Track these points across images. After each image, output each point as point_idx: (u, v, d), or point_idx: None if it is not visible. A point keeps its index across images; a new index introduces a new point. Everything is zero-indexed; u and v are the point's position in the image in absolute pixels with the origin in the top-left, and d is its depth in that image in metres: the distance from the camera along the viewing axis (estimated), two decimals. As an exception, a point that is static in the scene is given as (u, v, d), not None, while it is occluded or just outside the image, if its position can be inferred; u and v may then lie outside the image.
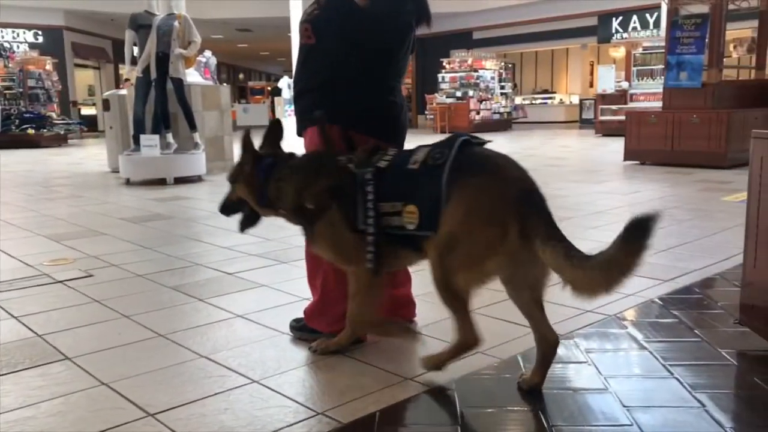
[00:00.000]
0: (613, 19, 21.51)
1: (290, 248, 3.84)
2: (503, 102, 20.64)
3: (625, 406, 1.81)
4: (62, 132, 16.97)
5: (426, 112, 20.63)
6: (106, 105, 9.18)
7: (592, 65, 24.58)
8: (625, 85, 15.68)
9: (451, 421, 1.77)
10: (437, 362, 2.02)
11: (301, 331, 2.42)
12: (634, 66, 15.53)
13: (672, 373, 2.02)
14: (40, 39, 21.61)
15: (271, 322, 2.59)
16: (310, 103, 2.23)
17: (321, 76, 2.21)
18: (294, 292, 2.96)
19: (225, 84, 10.69)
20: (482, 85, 19.78)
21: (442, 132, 18.75)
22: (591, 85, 23.66)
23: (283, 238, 4.05)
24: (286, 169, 2.16)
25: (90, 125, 21.19)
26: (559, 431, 1.69)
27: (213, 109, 8.68)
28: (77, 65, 23.37)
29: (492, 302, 2.78)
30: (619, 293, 2.87)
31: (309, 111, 2.23)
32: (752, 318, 2.23)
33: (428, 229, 1.87)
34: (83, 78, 24.41)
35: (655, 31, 17.54)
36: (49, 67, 18.21)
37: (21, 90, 16.92)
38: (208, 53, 10.28)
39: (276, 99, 18.13)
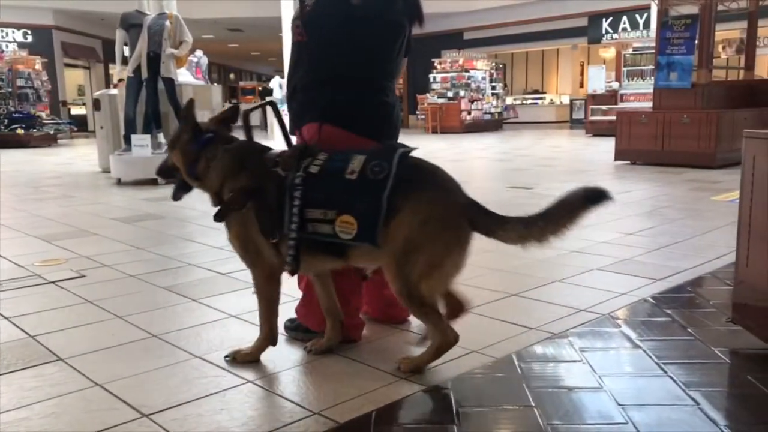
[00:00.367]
0: (603, 19, 21.61)
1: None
2: (494, 102, 20.71)
3: (619, 405, 1.82)
4: (52, 132, 16.86)
5: (417, 113, 20.66)
6: (96, 105, 9.13)
7: (582, 66, 24.68)
8: (615, 85, 15.76)
9: (447, 420, 1.77)
10: (418, 365, 2.06)
11: (296, 330, 2.42)
12: (624, 66, 15.62)
13: (666, 372, 2.03)
14: (30, 38, 21.47)
15: (266, 322, 2.58)
16: (303, 102, 2.23)
17: (313, 74, 2.21)
18: (287, 292, 2.91)
19: (216, 84, 10.66)
20: (473, 86, 19.84)
21: (434, 132, 18.78)
22: (581, 86, 23.76)
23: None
24: (219, 150, 2.17)
25: (80, 125, 21.07)
26: (555, 430, 1.70)
27: (204, 109, 8.62)
28: (67, 65, 23.24)
29: (486, 302, 2.79)
30: (611, 292, 2.90)
31: (302, 109, 2.23)
32: (745, 316, 2.24)
33: (366, 240, 1.93)
34: (73, 78, 24.27)
35: (644, 31, 17.64)
36: (38, 66, 18.09)
37: (10, 90, 16.79)
38: (199, 53, 10.25)
39: (267, 98, 18.05)
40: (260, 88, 31.11)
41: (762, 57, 15.50)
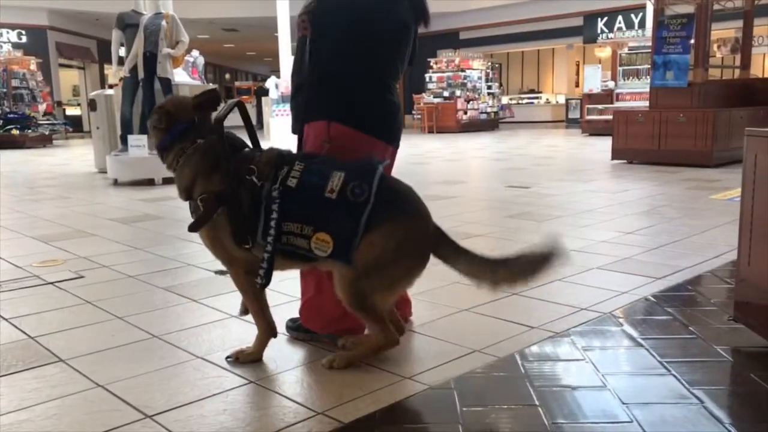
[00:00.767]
0: (599, 19, 21.66)
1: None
2: (490, 102, 20.72)
3: (624, 403, 1.82)
4: (47, 132, 16.80)
5: (413, 112, 20.67)
6: (92, 105, 9.10)
7: (577, 65, 24.73)
8: (611, 84, 15.79)
9: (451, 420, 1.77)
10: (351, 360, 2.10)
11: (298, 330, 2.41)
12: (620, 66, 15.65)
13: (669, 370, 2.03)
14: (24, 39, 21.40)
15: (267, 322, 2.57)
16: (309, 98, 2.22)
17: (319, 71, 2.19)
18: (288, 292, 2.94)
19: (212, 84, 10.63)
20: (469, 85, 19.84)
21: (430, 132, 18.78)
22: (577, 85, 23.80)
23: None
24: (192, 146, 2.14)
25: (75, 126, 21.00)
26: (559, 428, 1.70)
27: (201, 109, 8.62)
28: (62, 65, 23.17)
29: (488, 301, 2.79)
30: (612, 291, 2.90)
31: (308, 106, 2.22)
32: (746, 315, 2.25)
33: (341, 259, 1.97)
34: (68, 78, 24.19)
35: (640, 31, 17.65)
36: (33, 67, 18.02)
37: (5, 90, 16.73)
38: (195, 53, 10.23)
39: (263, 99, 18.04)
40: (254, 88, 31.06)
41: (757, 56, 15.55)
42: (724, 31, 13.54)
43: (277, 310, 2.70)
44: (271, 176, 2.03)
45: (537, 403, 1.84)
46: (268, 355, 2.23)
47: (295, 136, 2.33)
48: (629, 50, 15.61)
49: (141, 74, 7.67)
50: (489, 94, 20.78)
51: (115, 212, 5.59)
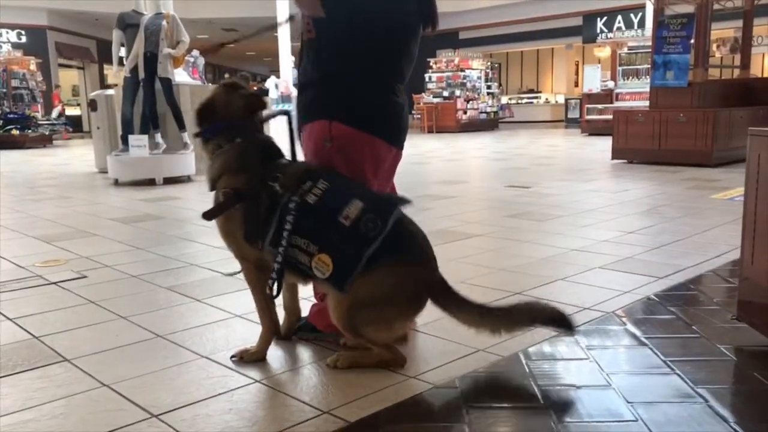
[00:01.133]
0: (598, 19, 21.70)
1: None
2: (490, 102, 20.75)
3: (628, 402, 1.82)
4: (47, 132, 16.80)
5: (413, 112, 20.69)
6: (93, 105, 9.10)
7: (577, 65, 24.76)
8: (610, 84, 15.81)
9: (456, 419, 1.77)
10: (353, 362, 2.10)
11: (301, 330, 2.42)
12: (620, 66, 15.68)
13: (673, 369, 2.04)
14: (24, 39, 21.40)
15: (270, 321, 2.58)
16: (312, 98, 2.22)
17: (321, 71, 2.19)
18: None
19: (212, 84, 10.62)
20: (469, 85, 19.87)
21: (430, 132, 18.79)
22: (576, 85, 23.83)
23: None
24: (228, 143, 2.16)
25: (75, 126, 21.00)
26: (564, 427, 1.70)
27: (202, 109, 8.62)
28: (61, 65, 23.17)
29: (490, 300, 2.79)
30: (615, 290, 2.90)
31: (311, 105, 2.22)
32: (750, 314, 2.25)
33: (336, 286, 1.98)
34: (68, 78, 24.19)
35: (639, 31, 17.70)
36: (33, 67, 18.03)
37: (5, 90, 16.73)
38: (196, 53, 10.23)
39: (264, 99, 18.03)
40: (254, 88, 31.04)
41: (756, 56, 15.57)
42: (723, 31, 13.55)
43: (279, 310, 2.71)
44: (293, 188, 2.04)
45: (541, 402, 1.85)
46: (273, 354, 2.23)
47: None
48: (629, 50, 15.64)
49: (142, 74, 7.67)
50: (488, 93, 20.81)
51: (117, 212, 5.60)
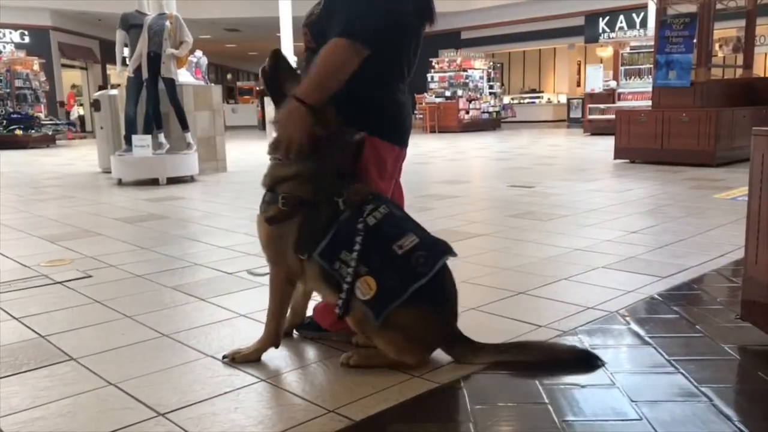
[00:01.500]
0: (600, 19, 21.70)
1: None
2: (492, 101, 20.74)
3: (633, 401, 1.83)
4: (50, 133, 16.83)
5: (415, 112, 20.69)
6: (96, 105, 9.13)
7: (579, 65, 24.76)
8: (613, 84, 15.80)
9: (462, 418, 1.79)
10: (368, 361, 2.11)
11: (306, 329, 2.43)
12: (622, 65, 15.67)
13: (677, 368, 2.05)
14: (27, 39, 21.44)
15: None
16: None
17: None
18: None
19: (214, 84, 10.66)
20: (471, 85, 19.87)
21: (432, 131, 18.80)
22: (578, 85, 23.84)
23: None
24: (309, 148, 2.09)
25: (78, 126, 21.04)
26: (569, 426, 1.71)
27: (205, 109, 8.66)
28: (64, 65, 23.21)
29: (494, 300, 2.81)
30: (618, 290, 2.91)
31: None
32: (753, 313, 2.26)
33: (372, 312, 1.98)
34: (70, 78, 24.23)
35: (642, 30, 17.68)
36: (36, 67, 18.07)
37: (8, 90, 16.77)
38: (199, 53, 10.24)
39: (266, 99, 18.06)
40: (258, 88, 31.05)
41: (759, 55, 15.55)
42: (726, 31, 13.54)
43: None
44: (356, 207, 2.04)
45: (546, 400, 1.86)
46: (278, 353, 2.24)
47: None
48: (631, 50, 15.63)
49: (145, 74, 7.69)
50: (491, 93, 20.81)
51: (121, 212, 5.61)
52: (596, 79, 16.55)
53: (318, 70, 2.03)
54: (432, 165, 9.45)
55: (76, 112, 19.23)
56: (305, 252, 2.06)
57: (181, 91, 8.11)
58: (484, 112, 20.25)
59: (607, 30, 21.29)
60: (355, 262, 1.99)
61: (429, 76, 20.35)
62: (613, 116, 10.51)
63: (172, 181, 7.68)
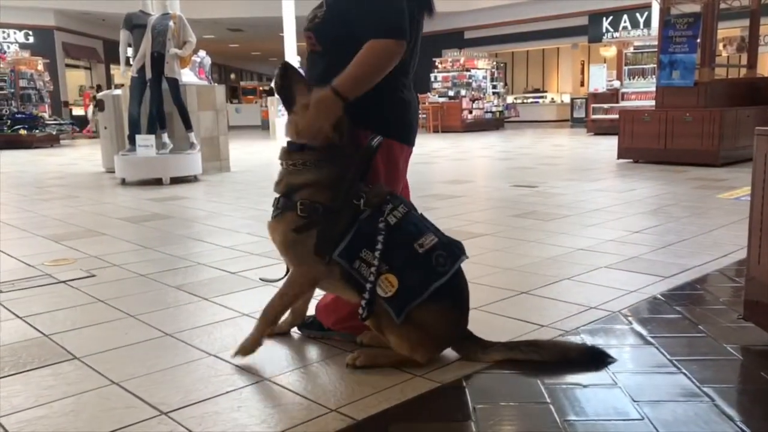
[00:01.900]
0: (604, 18, 21.66)
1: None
2: (495, 101, 20.72)
3: (635, 401, 1.83)
4: (54, 132, 16.88)
5: (419, 111, 20.67)
6: (100, 105, 9.15)
7: (582, 64, 24.72)
8: (616, 84, 15.78)
9: (464, 417, 1.79)
10: (375, 361, 2.12)
11: (309, 328, 2.43)
12: (626, 65, 15.64)
13: (679, 368, 2.05)
14: (31, 39, 21.51)
15: (278, 320, 2.59)
16: None
17: (328, 78, 2.15)
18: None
19: (217, 84, 10.69)
20: (474, 85, 19.86)
21: (435, 131, 18.79)
22: (582, 84, 23.79)
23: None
24: (326, 162, 2.08)
25: (82, 126, 21.09)
26: (571, 425, 1.71)
27: (208, 109, 8.68)
28: (68, 65, 23.27)
29: (497, 299, 2.81)
30: (621, 290, 2.91)
31: None
32: (756, 313, 2.26)
33: (393, 310, 1.99)
34: (74, 78, 24.29)
35: (645, 30, 17.66)
36: (40, 67, 18.12)
37: (12, 90, 16.81)
38: (202, 53, 10.27)
39: (269, 99, 18.10)
40: (261, 89, 31.09)
41: (763, 55, 15.50)
42: (730, 30, 13.49)
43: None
44: (376, 206, 2.05)
45: (548, 400, 1.86)
46: (280, 352, 2.25)
47: None
48: (635, 49, 15.60)
49: (149, 74, 7.70)
50: (494, 93, 20.79)
51: (124, 212, 5.63)
52: (600, 79, 16.52)
53: (359, 69, 2.01)
54: (435, 165, 9.45)
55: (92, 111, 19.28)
56: (325, 254, 2.05)
57: (185, 90, 8.12)
58: (487, 112, 20.23)
59: (611, 30, 21.26)
60: (378, 261, 1.99)
61: (432, 75, 20.35)
62: (616, 116, 10.50)
63: (176, 180, 7.69)
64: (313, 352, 2.29)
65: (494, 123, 20.53)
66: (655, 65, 9.74)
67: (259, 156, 11.89)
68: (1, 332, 2.56)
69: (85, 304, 2.91)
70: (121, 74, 8.20)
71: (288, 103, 2.16)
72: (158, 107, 7.80)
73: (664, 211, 4.97)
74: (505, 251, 3.81)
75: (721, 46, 13.21)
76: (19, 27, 21.28)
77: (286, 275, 2.24)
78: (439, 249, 2.04)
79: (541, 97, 25.72)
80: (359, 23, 2.04)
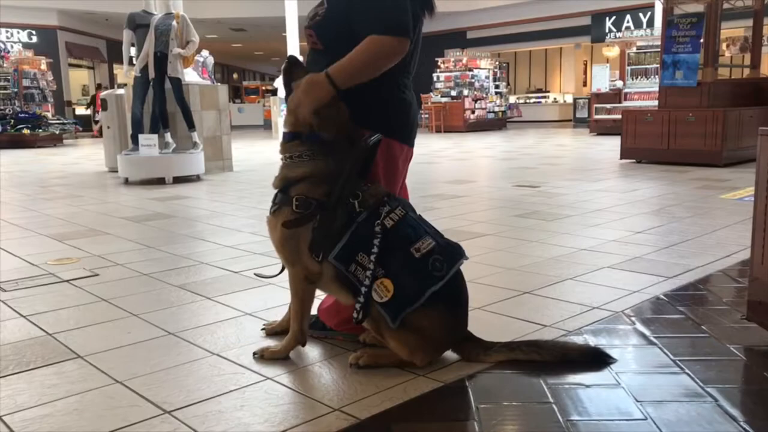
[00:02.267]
0: (607, 18, 21.62)
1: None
2: (498, 101, 20.71)
3: (638, 401, 1.83)
4: (57, 132, 16.90)
5: (421, 112, 20.68)
6: (103, 105, 9.17)
7: (585, 65, 24.68)
8: (619, 84, 15.76)
9: (467, 417, 1.79)
10: (377, 360, 2.12)
11: (312, 327, 2.43)
12: (628, 65, 15.62)
13: (682, 368, 2.04)
14: (34, 39, 21.53)
15: (280, 319, 2.59)
16: None
17: None
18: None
19: (220, 84, 10.70)
20: (477, 85, 19.84)
21: (437, 131, 18.78)
22: (585, 84, 23.75)
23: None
24: (322, 154, 2.08)
25: (84, 125, 21.12)
26: (573, 425, 1.71)
27: (211, 109, 8.69)
28: (71, 65, 23.30)
29: (500, 299, 2.81)
30: (624, 290, 2.91)
31: None
32: (760, 314, 2.25)
33: (389, 314, 1.99)
34: (77, 78, 24.32)
35: (648, 30, 17.61)
36: (43, 66, 18.14)
37: (16, 90, 16.84)
38: (205, 53, 10.28)
39: (272, 99, 18.12)
40: (263, 89, 31.11)
41: (767, 55, 15.48)
42: (733, 30, 13.48)
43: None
44: (372, 209, 2.04)
45: (551, 400, 1.86)
46: (283, 352, 2.25)
47: None
48: (637, 49, 15.58)
49: (152, 74, 7.72)
50: (496, 93, 20.77)
51: (127, 211, 5.64)
52: (602, 79, 16.50)
53: (355, 61, 2.01)
54: (437, 165, 9.45)
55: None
56: (320, 253, 2.06)
57: (188, 90, 8.13)
58: (489, 112, 20.22)
59: (614, 30, 21.22)
60: (373, 264, 1.99)
61: (435, 75, 20.33)
62: (619, 116, 10.50)
63: (179, 180, 7.70)
64: (315, 351, 2.30)
65: (497, 123, 20.51)
66: (658, 65, 9.74)
67: (262, 155, 11.90)
68: (6, 331, 2.57)
69: (89, 303, 2.91)
70: (124, 74, 8.22)
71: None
72: (161, 107, 7.82)
73: (667, 212, 4.96)
74: (507, 251, 3.80)
75: (724, 46, 13.20)
76: (23, 26, 21.31)
77: (281, 272, 2.25)
78: (436, 253, 2.03)
79: (544, 97, 25.69)
80: (360, 20, 2.04)
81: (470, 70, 19.94)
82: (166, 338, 2.45)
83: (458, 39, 23.64)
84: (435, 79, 20.33)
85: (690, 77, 8.26)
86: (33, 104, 17.07)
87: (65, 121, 18.05)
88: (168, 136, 7.93)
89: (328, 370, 2.14)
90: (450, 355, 2.17)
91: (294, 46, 16.76)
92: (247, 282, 3.22)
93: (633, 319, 2.54)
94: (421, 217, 2.16)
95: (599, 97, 15.86)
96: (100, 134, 11.20)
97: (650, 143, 8.46)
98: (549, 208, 5.17)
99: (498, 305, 2.73)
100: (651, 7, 17.98)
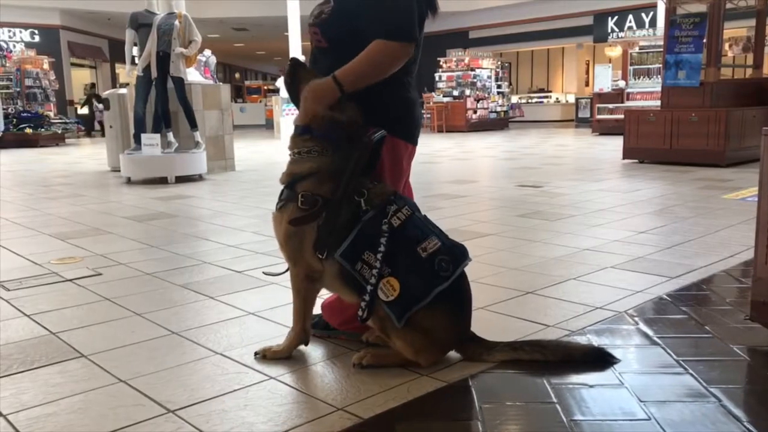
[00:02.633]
0: (609, 18, 21.61)
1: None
2: (500, 101, 20.69)
3: (641, 401, 1.83)
4: (59, 131, 16.93)
5: (422, 111, 20.65)
6: (106, 104, 9.18)
7: (587, 64, 24.67)
8: (621, 84, 15.74)
9: (470, 416, 1.79)
10: (380, 360, 2.11)
11: (315, 327, 2.43)
12: (631, 65, 15.61)
13: (686, 369, 2.04)
14: (37, 38, 21.56)
15: (283, 319, 2.59)
16: None
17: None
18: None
19: (223, 83, 10.72)
20: (479, 84, 19.82)
21: (439, 131, 18.78)
22: (587, 84, 23.74)
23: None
24: (331, 151, 2.07)
25: (86, 124, 21.15)
26: (577, 425, 1.71)
27: (213, 108, 8.69)
28: (74, 64, 23.32)
29: (503, 299, 2.81)
30: (627, 290, 2.91)
31: None
32: (763, 314, 2.25)
33: (394, 314, 1.99)
34: (80, 77, 24.34)
35: (651, 30, 17.59)
36: (46, 66, 18.17)
37: (18, 89, 16.87)
38: (207, 52, 10.29)
39: (274, 98, 18.13)
40: (266, 88, 31.12)
41: (769, 55, 15.46)
42: (736, 30, 13.46)
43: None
44: (379, 207, 2.04)
45: (554, 399, 1.86)
46: (286, 351, 2.25)
47: None
48: (640, 49, 15.56)
49: (154, 73, 7.72)
50: (498, 93, 20.75)
51: (130, 210, 5.64)
52: (605, 79, 16.47)
53: (362, 66, 2.03)
54: (440, 164, 9.45)
55: None
56: (324, 251, 2.05)
57: (190, 90, 8.14)
58: (492, 112, 20.21)
59: (616, 29, 21.19)
60: (380, 263, 1.99)
61: (437, 75, 20.32)
62: (621, 116, 10.47)
63: (181, 179, 7.71)
64: (319, 350, 2.30)
65: (499, 123, 20.50)
66: (661, 65, 9.73)
67: (264, 155, 11.91)
68: (9, 330, 2.57)
69: (92, 303, 2.92)
70: (127, 73, 8.22)
71: (296, 100, 2.17)
72: (163, 106, 7.82)
73: (670, 212, 4.96)
74: (510, 251, 3.80)
75: (727, 46, 13.19)
76: (25, 26, 21.33)
77: (286, 271, 2.25)
78: (442, 253, 2.04)
79: (546, 97, 25.66)
80: (367, 22, 2.04)
81: (472, 69, 19.92)
82: (170, 337, 2.46)
83: (460, 39, 23.64)
84: (437, 78, 20.32)
85: (693, 77, 8.25)
86: (35, 104, 17.10)
87: (67, 121, 18.08)
88: (170, 136, 7.93)
89: (332, 369, 2.14)
90: (453, 354, 2.17)
91: (296, 46, 16.77)
92: (250, 281, 3.22)
93: (636, 319, 2.54)
94: (426, 217, 2.16)
95: (601, 97, 15.84)
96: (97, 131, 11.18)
97: (653, 143, 8.45)
98: (551, 208, 5.17)
99: (501, 305, 2.73)
100: (653, 6, 17.95)
